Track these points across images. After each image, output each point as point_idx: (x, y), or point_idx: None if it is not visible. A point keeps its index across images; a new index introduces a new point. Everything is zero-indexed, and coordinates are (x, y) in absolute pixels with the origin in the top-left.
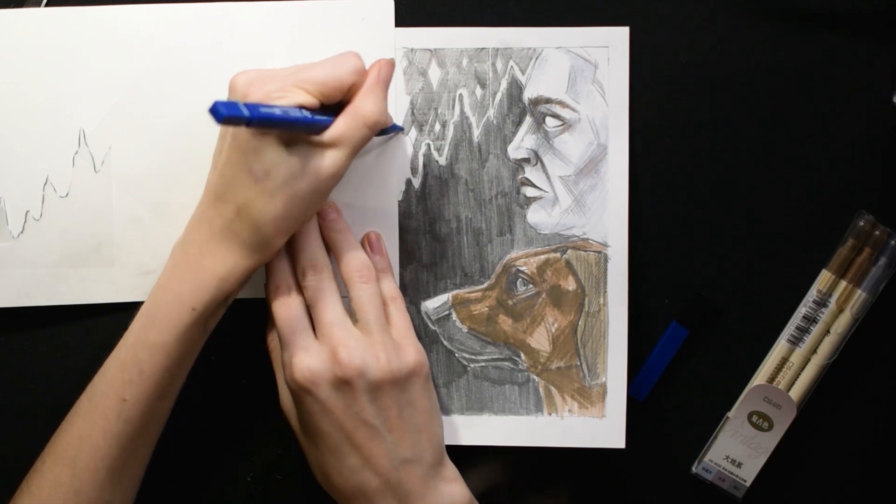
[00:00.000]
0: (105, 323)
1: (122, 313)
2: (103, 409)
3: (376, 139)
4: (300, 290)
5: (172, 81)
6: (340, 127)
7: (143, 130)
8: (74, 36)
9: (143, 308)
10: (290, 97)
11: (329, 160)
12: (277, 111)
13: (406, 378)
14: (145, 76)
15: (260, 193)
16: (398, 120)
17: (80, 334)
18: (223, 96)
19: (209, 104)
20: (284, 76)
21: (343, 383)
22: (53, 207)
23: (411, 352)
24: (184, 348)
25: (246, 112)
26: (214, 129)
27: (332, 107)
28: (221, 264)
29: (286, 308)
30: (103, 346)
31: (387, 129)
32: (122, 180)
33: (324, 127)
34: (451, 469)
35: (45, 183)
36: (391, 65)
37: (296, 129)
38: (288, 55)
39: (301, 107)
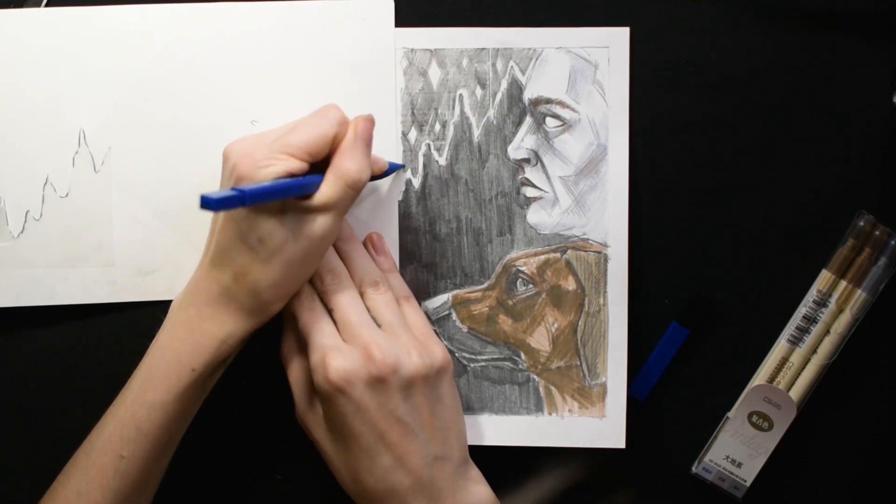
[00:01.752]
0: (105, 323)
1: (122, 313)
2: (100, 466)
3: (376, 182)
4: (319, 293)
5: (173, 81)
6: (326, 191)
7: (143, 131)
8: (74, 36)
9: (141, 366)
10: (277, 165)
11: (319, 224)
12: (266, 184)
13: (436, 375)
14: (146, 76)
15: (255, 261)
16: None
17: (80, 334)
18: (223, 98)
19: (199, 198)
20: (271, 141)
21: (378, 381)
22: (53, 207)
23: (437, 349)
24: (182, 407)
25: (236, 196)
26: (215, 129)
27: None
28: (221, 327)
29: (310, 311)
30: (103, 346)
31: (387, 171)
32: (122, 181)
33: (312, 186)
34: (475, 470)
35: (46, 183)
36: (369, 121)
37: (286, 196)
38: (287, 55)
39: (289, 174)
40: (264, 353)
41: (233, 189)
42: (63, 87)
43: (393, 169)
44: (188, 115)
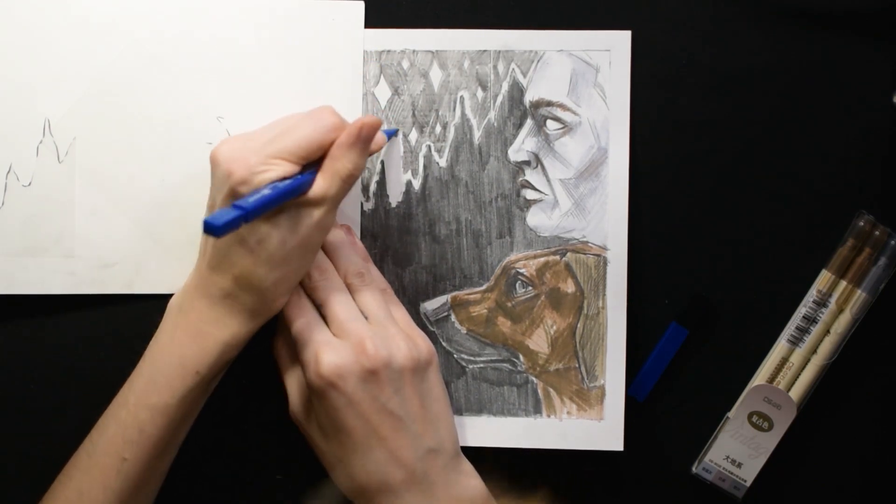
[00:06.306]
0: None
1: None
2: (103, 467)
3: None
4: (307, 290)
5: (140, 74)
6: (322, 186)
7: (108, 122)
8: (42, 24)
9: (141, 368)
10: (273, 171)
11: (316, 217)
12: (266, 191)
13: (424, 366)
14: (113, 67)
15: (256, 262)
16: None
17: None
18: (190, 94)
19: (202, 224)
20: (263, 145)
21: (370, 375)
22: (15, 196)
23: (422, 341)
24: (185, 410)
25: (239, 216)
26: (181, 124)
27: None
28: (225, 330)
29: (299, 309)
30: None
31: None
32: (86, 172)
33: (307, 185)
34: (468, 463)
35: (9, 171)
36: (374, 126)
37: (285, 201)
38: (256, 53)
39: (284, 178)
40: (264, 354)
41: (234, 207)
42: (29, 75)
43: (389, 137)
44: (154, 109)
